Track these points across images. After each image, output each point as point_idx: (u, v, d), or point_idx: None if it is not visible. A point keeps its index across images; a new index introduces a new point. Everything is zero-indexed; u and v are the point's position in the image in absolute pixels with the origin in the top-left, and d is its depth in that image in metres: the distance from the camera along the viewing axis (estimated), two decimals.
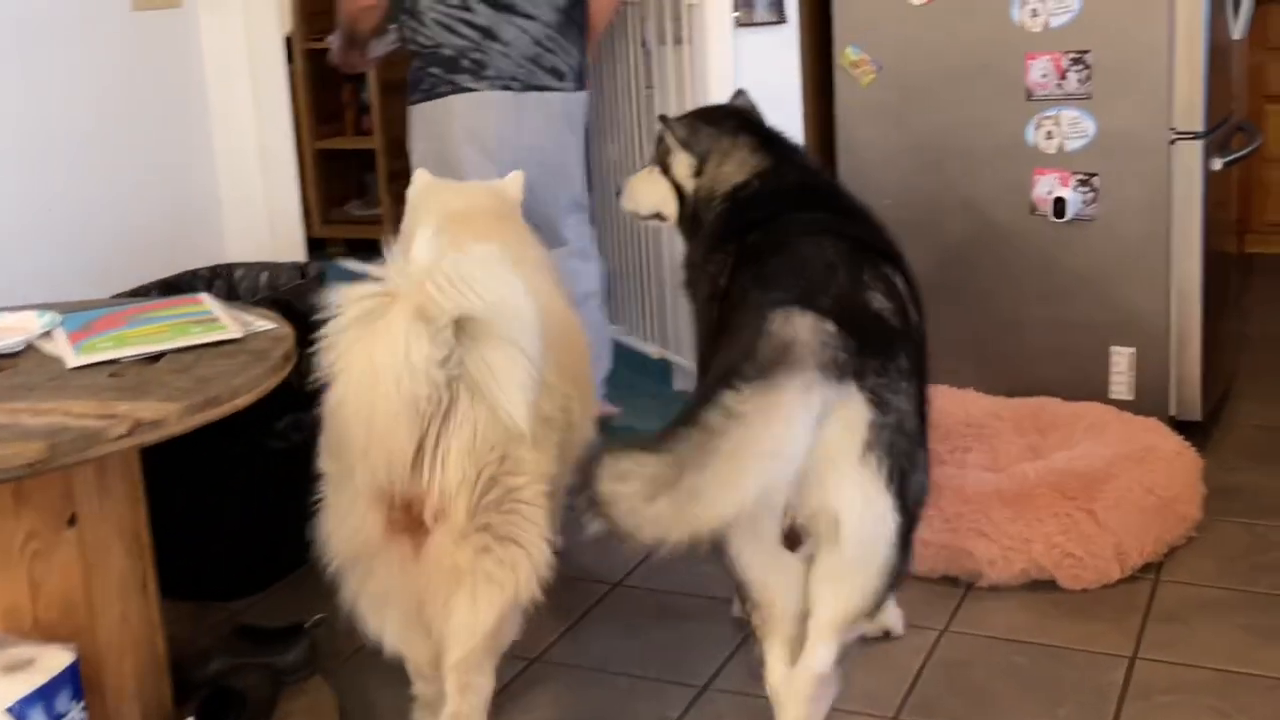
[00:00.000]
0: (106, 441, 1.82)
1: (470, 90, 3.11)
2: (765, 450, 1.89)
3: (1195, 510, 2.99)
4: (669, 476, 1.83)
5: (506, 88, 3.14)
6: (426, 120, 3.16)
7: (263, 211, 3.18)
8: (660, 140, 2.62)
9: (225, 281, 3.12)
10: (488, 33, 3.12)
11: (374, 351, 1.90)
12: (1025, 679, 2.48)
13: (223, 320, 2.25)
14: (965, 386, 3.45)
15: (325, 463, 2.11)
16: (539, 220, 2.92)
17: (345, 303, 1.94)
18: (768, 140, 2.58)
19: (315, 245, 6.02)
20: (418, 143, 3.16)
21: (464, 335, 1.92)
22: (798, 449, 1.92)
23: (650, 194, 2.65)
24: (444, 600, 2.02)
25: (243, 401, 1.99)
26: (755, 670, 2.44)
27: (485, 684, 2.09)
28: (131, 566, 2.16)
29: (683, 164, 2.56)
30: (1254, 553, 2.91)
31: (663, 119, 2.62)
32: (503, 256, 2.01)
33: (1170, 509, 2.91)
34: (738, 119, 2.62)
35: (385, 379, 1.89)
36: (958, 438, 3.22)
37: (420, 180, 2.69)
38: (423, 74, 3.14)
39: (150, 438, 1.87)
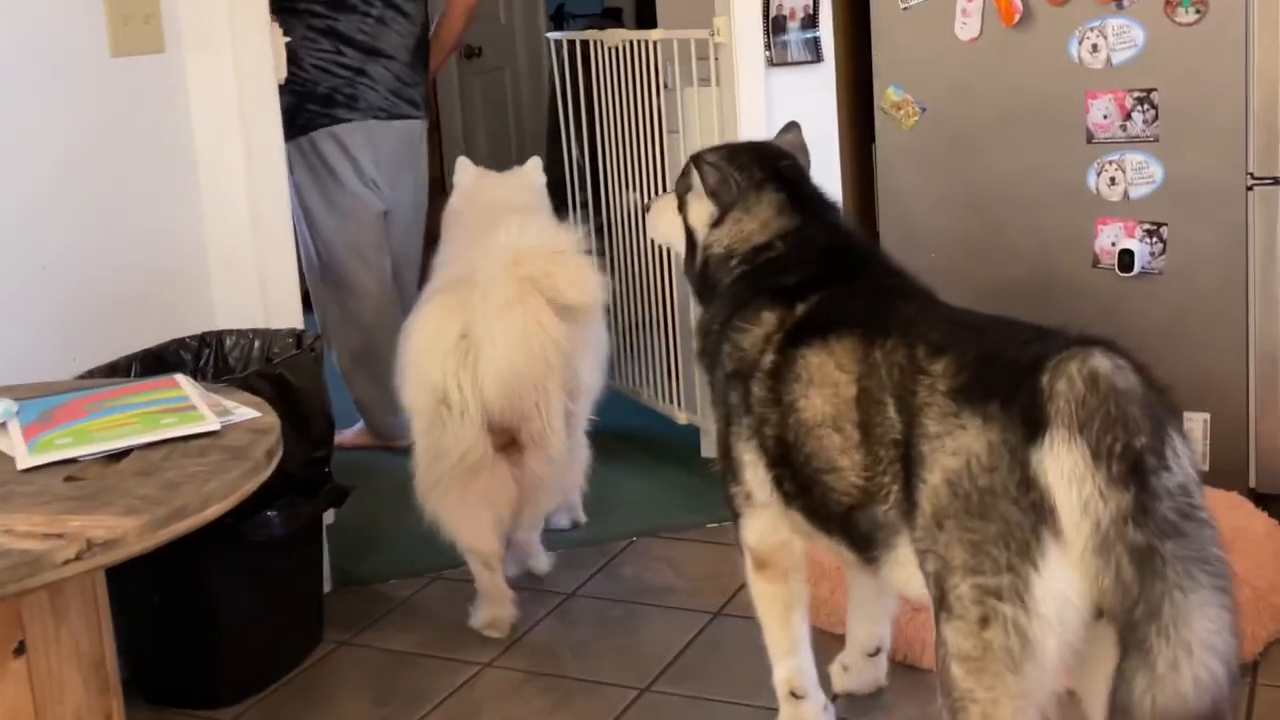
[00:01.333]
0: (52, 568, 1.53)
1: (347, 121, 3.72)
2: None
3: None
4: None
5: (375, 117, 3.75)
6: (303, 151, 3.71)
7: (254, 273, 2.91)
8: (684, 174, 2.40)
9: (214, 351, 2.84)
10: (359, 72, 3.72)
11: (524, 327, 2.62)
12: None
13: (199, 409, 1.96)
14: None
15: (425, 404, 2.74)
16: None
17: (492, 284, 2.65)
18: (800, 196, 2.31)
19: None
20: (297, 170, 3.66)
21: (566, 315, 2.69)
22: None
23: (666, 225, 2.47)
24: (533, 499, 2.83)
25: (214, 511, 1.71)
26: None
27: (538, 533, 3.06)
28: (91, 700, 1.86)
29: (701, 211, 2.35)
30: None
31: (695, 158, 2.36)
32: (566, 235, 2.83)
33: (1266, 601, 2.61)
34: (772, 166, 2.35)
35: (534, 350, 2.63)
36: None
37: (467, 168, 3.29)
38: (299, 110, 3.62)
39: (104, 560, 1.58)
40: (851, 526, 2.03)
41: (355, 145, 3.74)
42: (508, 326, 2.61)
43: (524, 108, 5.93)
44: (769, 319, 2.17)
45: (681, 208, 2.39)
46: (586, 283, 2.70)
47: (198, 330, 2.84)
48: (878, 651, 2.52)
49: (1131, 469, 1.68)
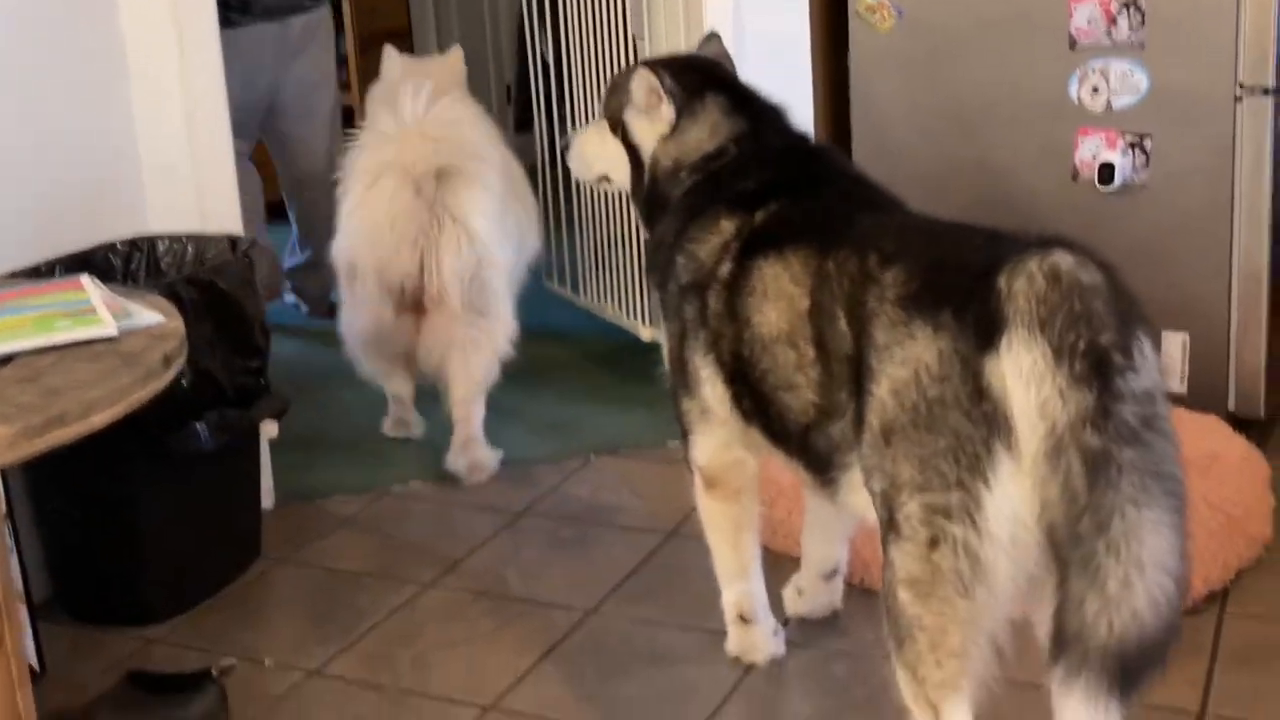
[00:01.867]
0: None
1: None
2: None
3: (1267, 528, 2.58)
4: None
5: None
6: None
7: (190, 178, 2.76)
8: (615, 94, 2.26)
9: (146, 256, 2.72)
10: None
11: (393, 189, 2.95)
12: None
13: (98, 313, 1.84)
14: None
15: (346, 276, 3.09)
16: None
17: (353, 175, 3.05)
18: (743, 100, 2.20)
19: (278, 209, 5.60)
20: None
21: (444, 179, 2.96)
22: None
23: (599, 156, 2.31)
24: (440, 358, 3.08)
25: (100, 420, 1.59)
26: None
27: (480, 410, 3.11)
28: None
29: (647, 126, 2.20)
30: None
31: (630, 72, 2.22)
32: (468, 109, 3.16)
33: (1239, 528, 2.50)
34: (704, 73, 2.23)
35: (400, 210, 2.94)
36: None
37: (392, 54, 3.30)
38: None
39: None
40: (809, 446, 1.95)
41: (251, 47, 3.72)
42: (379, 189, 2.97)
43: (500, 17, 5.76)
44: (727, 227, 2.07)
45: (617, 129, 2.25)
46: (466, 149, 3.03)
47: (129, 235, 2.71)
48: (834, 574, 2.44)
49: (1095, 367, 1.57)
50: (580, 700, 2.24)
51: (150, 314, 1.88)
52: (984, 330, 1.64)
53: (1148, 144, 2.95)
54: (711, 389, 2.10)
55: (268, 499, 2.93)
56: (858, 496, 1.87)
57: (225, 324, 2.52)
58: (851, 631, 2.42)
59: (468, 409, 3.07)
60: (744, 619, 2.29)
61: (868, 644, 2.36)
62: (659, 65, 2.22)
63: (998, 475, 1.63)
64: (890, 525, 1.73)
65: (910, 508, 1.70)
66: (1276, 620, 2.38)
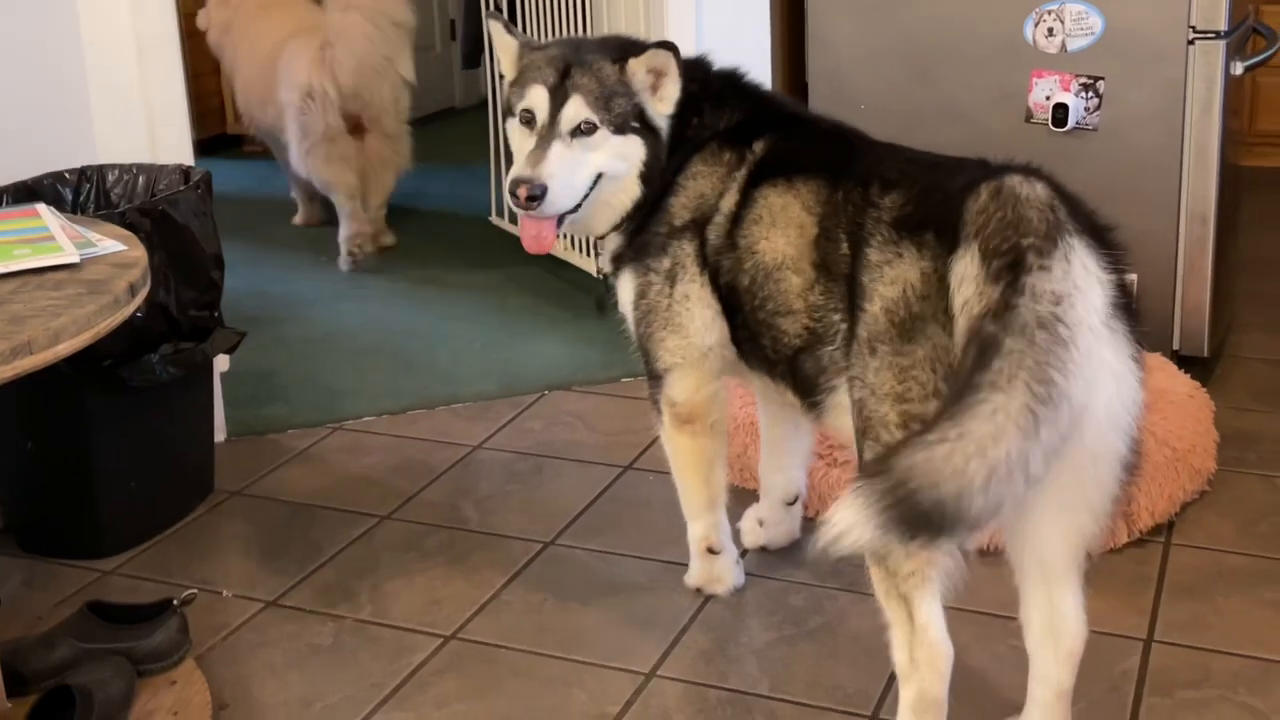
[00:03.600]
0: None
1: None
2: None
3: (1210, 462, 2.64)
4: None
5: None
6: None
7: (140, 105, 2.71)
8: (612, 96, 2.10)
9: (95, 186, 2.67)
10: None
11: (367, 34, 4.04)
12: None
13: (58, 240, 1.81)
14: None
15: (297, 98, 4.05)
16: None
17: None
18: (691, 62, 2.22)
19: (229, 143, 5.49)
20: None
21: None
22: None
23: (598, 164, 2.11)
24: (376, 171, 4.21)
25: (66, 348, 1.57)
26: (708, 653, 2.19)
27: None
28: None
29: (668, 98, 2.14)
30: (1276, 511, 2.57)
31: (638, 51, 2.13)
32: None
33: (1184, 462, 2.56)
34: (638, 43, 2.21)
35: (373, 49, 4.06)
36: None
37: None
38: None
39: None
40: (797, 370, 2.02)
41: None
42: (356, 34, 4.00)
43: None
44: (729, 158, 2.11)
45: (625, 128, 2.10)
46: (402, 7, 4.14)
47: (77, 165, 2.66)
48: (795, 500, 2.48)
49: (1009, 265, 1.65)
50: (540, 630, 2.25)
51: (111, 242, 1.85)
52: (950, 248, 1.74)
53: (1101, 86, 2.98)
54: (707, 324, 2.13)
55: (220, 433, 2.91)
56: (844, 419, 1.92)
57: (178, 256, 2.48)
58: (809, 564, 2.45)
59: (380, 211, 4.32)
60: (712, 551, 2.32)
61: (825, 575, 2.41)
62: (630, 46, 2.16)
63: None
64: (865, 433, 1.82)
65: (890, 416, 1.79)
66: (1218, 551, 2.44)
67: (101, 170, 2.67)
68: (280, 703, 2.08)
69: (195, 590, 2.22)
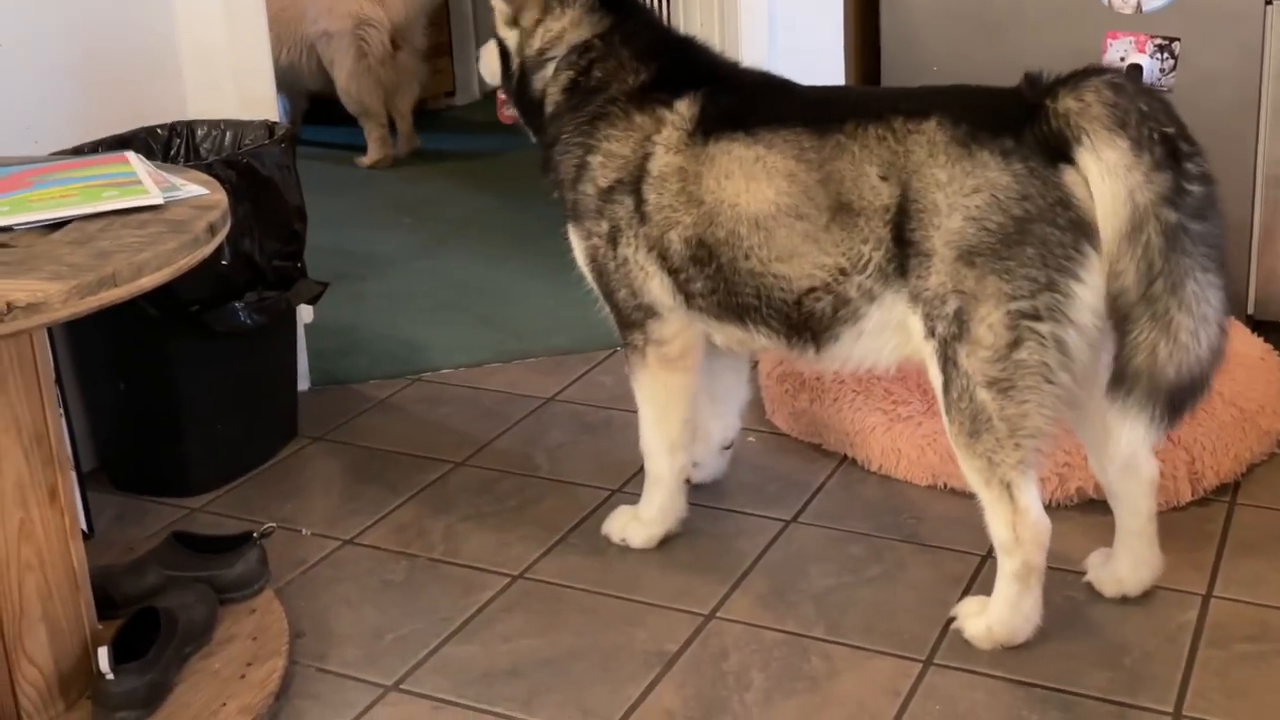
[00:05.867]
0: None
1: None
2: None
3: (1279, 424, 2.62)
4: None
5: None
6: None
7: (227, 63, 2.81)
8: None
9: (185, 140, 2.77)
10: None
11: None
12: (1084, 616, 2.15)
13: (144, 183, 1.90)
14: None
15: (347, 25, 4.92)
16: None
17: None
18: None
19: (318, 107, 5.60)
20: None
21: None
22: None
23: (491, 61, 2.39)
24: (406, 83, 5.15)
25: (149, 282, 1.66)
26: (766, 597, 2.22)
27: None
28: (33, 471, 1.84)
29: (498, 12, 2.30)
30: None
31: None
32: None
33: (1252, 423, 2.55)
34: None
35: None
36: None
37: None
38: None
39: (26, 324, 1.54)
40: (800, 310, 2.09)
41: None
42: None
43: None
44: (644, 122, 2.16)
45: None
46: None
47: (168, 120, 2.76)
48: (729, 447, 2.58)
49: (1170, 154, 1.83)
50: (604, 572, 2.32)
51: (194, 186, 1.94)
52: (1054, 147, 1.88)
53: (1176, 47, 2.95)
54: (657, 281, 2.20)
55: (304, 382, 3.02)
56: (862, 344, 2.08)
57: (263, 208, 2.58)
58: (870, 516, 2.49)
59: (407, 119, 5.14)
60: (688, 482, 2.40)
61: (885, 526, 2.44)
62: None
63: (1087, 270, 1.88)
64: (965, 338, 1.95)
65: (994, 317, 1.92)
66: None
67: (191, 125, 2.78)
68: (354, 633, 2.17)
69: (274, 525, 2.32)
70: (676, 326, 2.25)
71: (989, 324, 1.93)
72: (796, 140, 2.05)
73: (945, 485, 2.54)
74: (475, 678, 2.05)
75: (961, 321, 1.95)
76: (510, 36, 2.30)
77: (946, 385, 1.99)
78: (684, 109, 2.14)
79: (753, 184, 2.07)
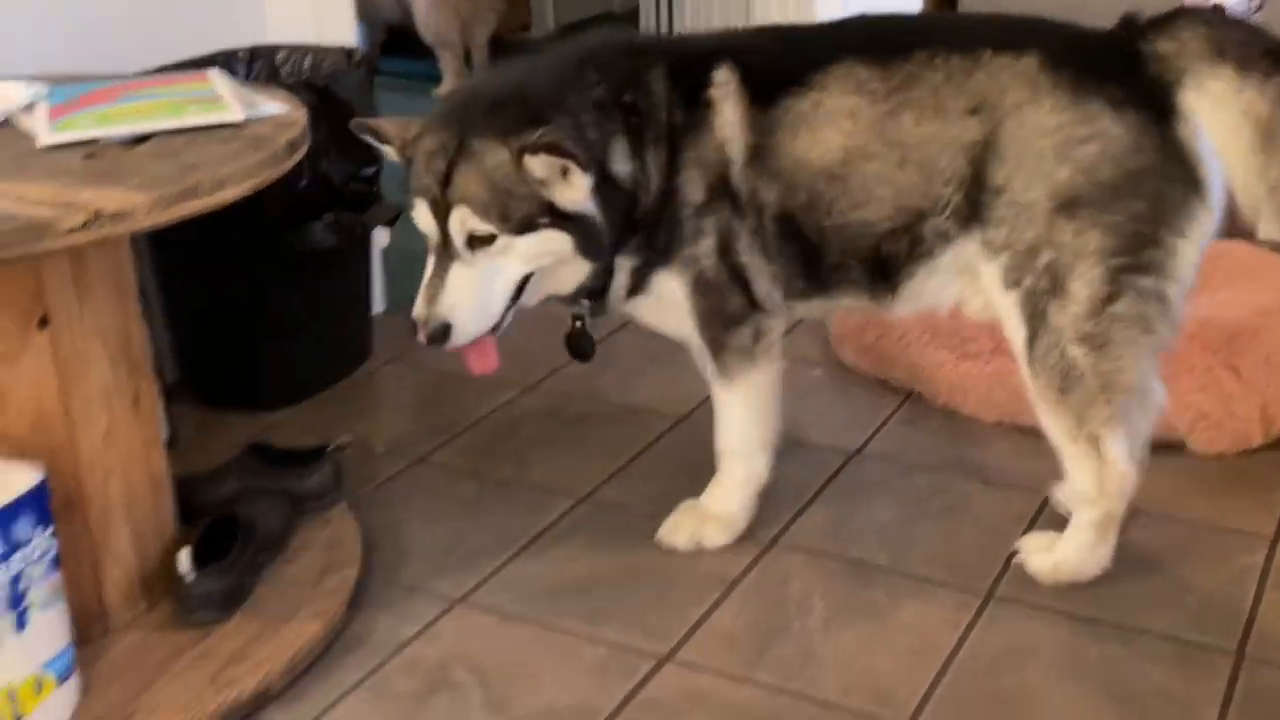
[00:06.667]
0: (59, 234, 1.54)
1: None
2: None
3: None
4: None
5: None
6: None
7: None
8: (507, 197, 1.81)
9: (265, 64, 2.81)
10: None
11: None
12: (1148, 556, 2.15)
13: (226, 101, 1.94)
14: None
15: None
16: None
17: None
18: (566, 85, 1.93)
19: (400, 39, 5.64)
20: None
21: None
22: None
23: (522, 269, 1.90)
24: (482, 15, 5.25)
25: (230, 194, 1.70)
26: (830, 527, 2.25)
27: None
28: (118, 377, 1.90)
29: (576, 185, 1.85)
30: None
31: (527, 148, 1.80)
32: None
33: None
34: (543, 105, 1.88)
35: None
36: None
37: None
38: None
39: (112, 232, 1.58)
40: (878, 257, 2.00)
41: None
42: None
43: None
44: (700, 115, 1.94)
45: (529, 227, 1.83)
46: None
47: (248, 45, 2.80)
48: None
49: (1273, 63, 1.80)
50: (668, 497, 2.34)
51: (274, 105, 1.98)
52: (1158, 98, 1.84)
53: None
54: (768, 275, 2.04)
55: (379, 304, 3.07)
56: (931, 282, 2.01)
57: (341, 131, 2.59)
58: (934, 451, 2.49)
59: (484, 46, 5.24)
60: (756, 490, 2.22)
61: (949, 461, 2.45)
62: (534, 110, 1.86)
63: (1193, 226, 1.85)
64: (1054, 293, 1.89)
65: (1094, 273, 1.87)
66: None
67: (272, 50, 2.81)
68: (424, 548, 2.22)
69: (349, 438, 2.37)
70: (775, 322, 2.11)
71: (1087, 279, 1.87)
72: (852, 75, 1.93)
73: (1011, 423, 2.53)
74: (540, 594, 2.10)
75: (1055, 276, 1.89)
76: (583, 199, 1.86)
77: (1032, 340, 1.93)
78: (723, 78, 1.94)
79: (817, 133, 1.94)
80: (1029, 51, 1.88)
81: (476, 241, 1.81)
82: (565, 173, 1.81)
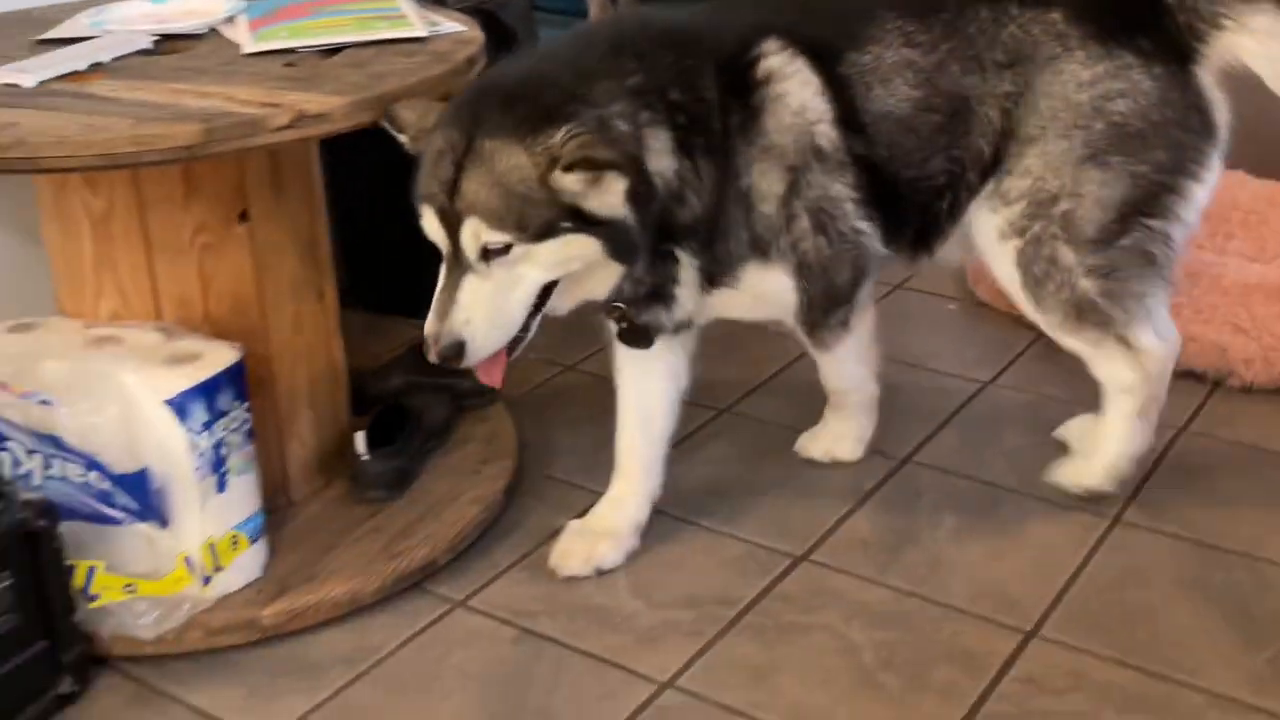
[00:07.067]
0: (267, 131, 1.69)
1: None
2: None
3: None
4: None
5: None
6: None
7: None
8: (523, 204, 1.64)
9: None
10: None
11: None
12: (1275, 492, 2.19)
13: (409, 18, 2.07)
14: (1235, 168, 3.03)
15: None
16: None
17: None
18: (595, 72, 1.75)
19: None
20: None
21: None
22: None
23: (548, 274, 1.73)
24: None
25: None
26: (962, 450, 2.33)
27: None
28: (305, 271, 2.06)
29: (614, 190, 1.67)
30: None
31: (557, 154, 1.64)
32: None
33: None
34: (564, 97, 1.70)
35: None
36: (1220, 222, 2.84)
37: None
38: None
39: (313, 131, 1.73)
40: (928, 215, 1.99)
41: None
42: None
43: None
44: (775, 103, 1.83)
45: (553, 230, 1.66)
46: None
47: None
48: None
49: None
50: (806, 413, 2.40)
51: (453, 24, 2.10)
52: (1181, 47, 1.87)
53: None
54: (873, 230, 1.96)
55: None
56: (952, 241, 2.04)
57: (506, 56, 2.73)
58: (1067, 384, 2.54)
59: None
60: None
61: (1082, 395, 2.48)
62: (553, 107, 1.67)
63: (1207, 171, 1.92)
64: (1068, 239, 1.93)
65: (1109, 216, 1.91)
66: None
67: None
68: (573, 447, 2.36)
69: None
70: (866, 289, 2.05)
71: (1102, 224, 1.92)
72: (899, 29, 1.90)
73: None
74: (683, 493, 2.22)
75: (1069, 222, 1.92)
76: (619, 203, 1.68)
77: (1040, 281, 1.96)
78: (780, 59, 1.83)
79: (888, 86, 1.90)
80: (1055, 4, 1.89)
81: (491, 252, 1.64)
82: (598, 180, 1.63)
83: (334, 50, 1.96)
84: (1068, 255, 1.95)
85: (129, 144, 1.62)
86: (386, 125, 1.76)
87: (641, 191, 1.66)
